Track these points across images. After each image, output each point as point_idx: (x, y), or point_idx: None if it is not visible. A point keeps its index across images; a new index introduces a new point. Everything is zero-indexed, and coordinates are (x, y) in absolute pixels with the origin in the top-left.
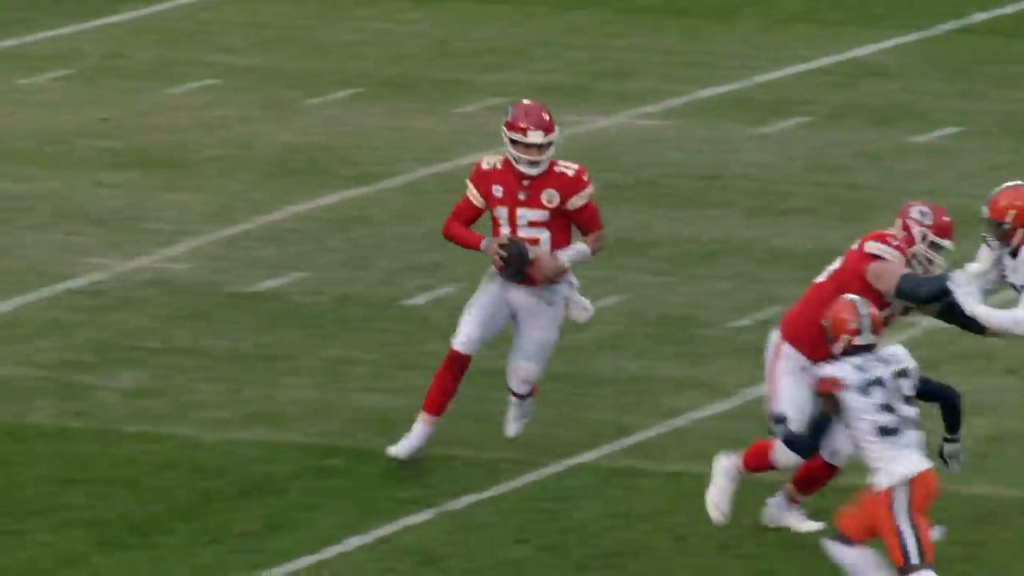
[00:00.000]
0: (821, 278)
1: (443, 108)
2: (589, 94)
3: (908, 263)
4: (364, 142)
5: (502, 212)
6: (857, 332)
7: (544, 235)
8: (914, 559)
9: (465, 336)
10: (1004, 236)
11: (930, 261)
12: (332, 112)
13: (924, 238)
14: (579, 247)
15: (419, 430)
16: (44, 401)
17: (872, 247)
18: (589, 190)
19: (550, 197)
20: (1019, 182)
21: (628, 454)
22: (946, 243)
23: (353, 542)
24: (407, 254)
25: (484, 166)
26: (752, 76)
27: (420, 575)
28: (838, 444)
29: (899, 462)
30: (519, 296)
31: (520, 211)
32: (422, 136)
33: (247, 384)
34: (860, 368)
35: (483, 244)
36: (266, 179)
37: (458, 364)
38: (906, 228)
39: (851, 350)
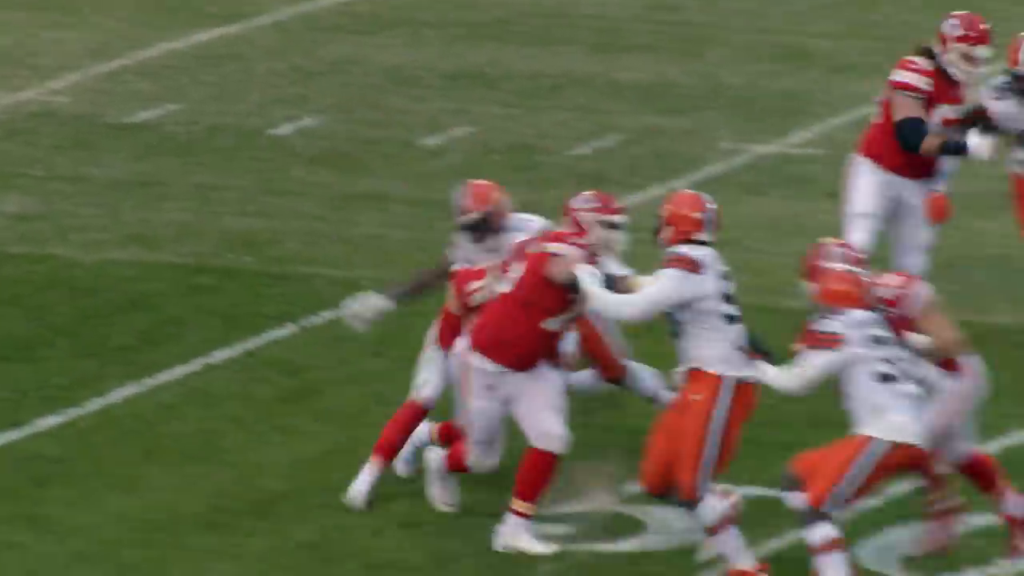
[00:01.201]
0: (505, 287)
1: None
2: None
3: (592, 258)
4: None
5: None
6: None
7: None
8: None
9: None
10: (656, 230)
11: (609, 246)
12: None
13: (596, 224)
14: None
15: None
16: None
17: (550, 247)
18: None
19: None
20: (691, 191)
21: None
22: (617, 219)
23: (221, 355)
24: (274, 88)
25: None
26: None
27: (283, 385)
28: None
29: None
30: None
31: None
32: None
33: (124, 208)
34: None
35: None
36: (141, 16)
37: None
38: (576, 223)
39: None
